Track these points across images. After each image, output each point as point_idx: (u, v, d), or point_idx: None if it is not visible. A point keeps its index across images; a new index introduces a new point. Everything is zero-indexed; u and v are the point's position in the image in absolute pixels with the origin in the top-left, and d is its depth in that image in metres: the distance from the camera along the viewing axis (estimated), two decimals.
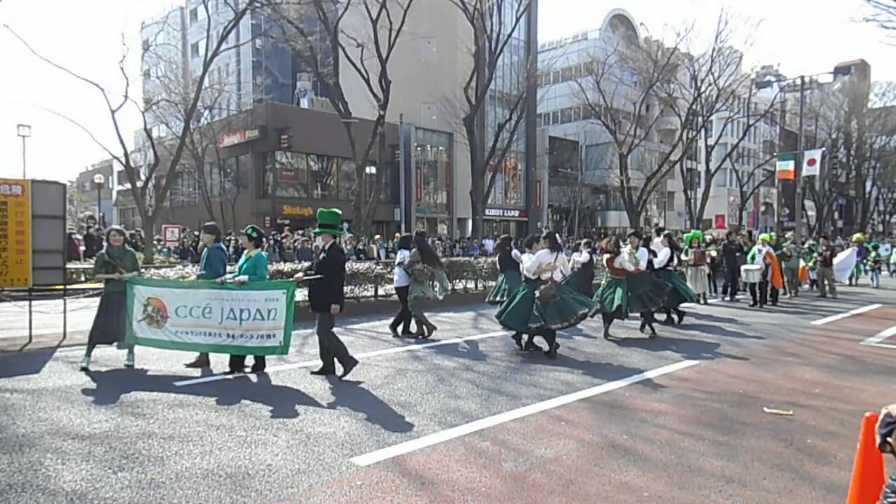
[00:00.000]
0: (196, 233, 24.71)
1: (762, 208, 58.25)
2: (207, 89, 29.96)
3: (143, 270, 12.55)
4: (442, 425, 4.91)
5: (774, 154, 45.02)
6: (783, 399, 5.78)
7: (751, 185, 50.31)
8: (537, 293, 7.64)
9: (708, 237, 19.00)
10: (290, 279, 7.12)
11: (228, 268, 7.52)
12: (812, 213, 53.00)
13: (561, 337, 8.83)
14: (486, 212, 35.37)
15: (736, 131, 48.11)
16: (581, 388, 6.12)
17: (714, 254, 15.60)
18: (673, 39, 42.41)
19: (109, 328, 6.89)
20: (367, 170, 27.34)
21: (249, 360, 6.88)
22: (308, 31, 25.86)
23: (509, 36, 30.46)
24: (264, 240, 21.82)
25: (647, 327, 9.43)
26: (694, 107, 37.50)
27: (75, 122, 49.71)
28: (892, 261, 24.73)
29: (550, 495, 3.63)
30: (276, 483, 3.77)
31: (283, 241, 24.07)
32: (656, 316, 9.88)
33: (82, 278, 14.84)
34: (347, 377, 6.50)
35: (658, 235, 11.70)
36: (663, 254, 10.37)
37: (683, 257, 13.64)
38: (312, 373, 6.69)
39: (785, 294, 15.56)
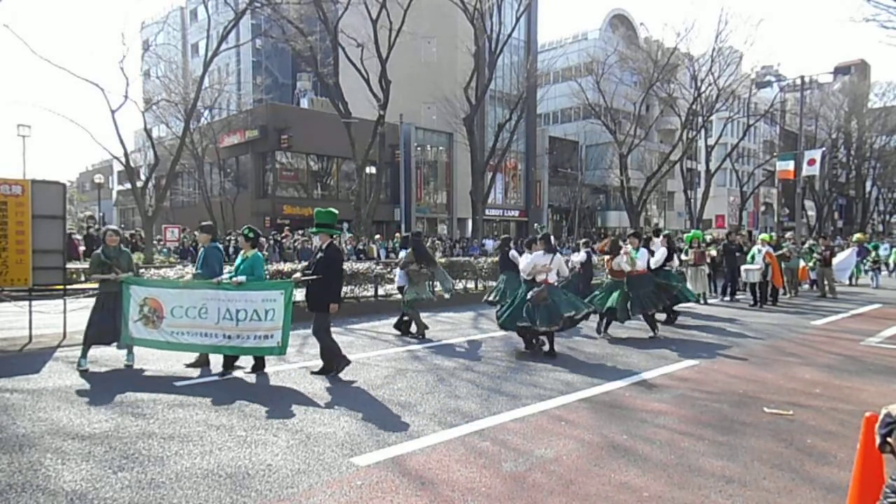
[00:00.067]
0: (196, 233, 24.69)
1: (762, 208, 58.26)
2: (207, 89, 29.96)
3: (142, 271, 12.53)
4: (442, 425, 4.91)
5: (774, 154, 45.02)
6: (783, 399, 5.78)
7: (751, 185, 50.31)
8: (529, 295, 7.68)
9: (708, 237, 19.01)
10: (288, 279, 7.11)
11: (225, 268, 7.50)
12: (812, 213, 53.02)
13: (561, 337, 8.85)
14: (486, 212, 35.37)
15: (736, 131, 48.12)
16: (581, 388, 6.12)
17: (714, 253, 15.60)
18: (673, 39, 42.49)
19: (105, 329, 6.86)
20: (367, 170, 27.33)
21: (244, 361, 6.87)
22: (308, 31, 25.86)
23: (509, 36, 30.45)
24: (262, 240, 21.97)
25: (654, 329, 9.32)
26: (694, 107, 37.50)
27: (75, 122, 49.78)
28: (891, 261, 24.72)
29: (550, 495, 3.63)
30: (276, 483, 3.77)
31: (283, 241, 24.07)
32: (657, 316, 9.86)
33: (82, 278, 14.84)
34: (341, 375, 6.54)
35: (657, 236, 11.71)
36: (660, 253, 10.36)
37: (683, 257, 13.65)
38: (312, 373, 6.69)
39: (785, 294, 15.56)
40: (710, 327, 10.48)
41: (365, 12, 24.13)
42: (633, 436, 4.70)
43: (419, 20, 28.18)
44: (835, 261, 16.85)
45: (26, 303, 8.72)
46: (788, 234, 23.89)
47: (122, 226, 43.21)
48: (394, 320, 9.69)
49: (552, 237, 8.09)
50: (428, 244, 25.45)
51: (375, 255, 22.91)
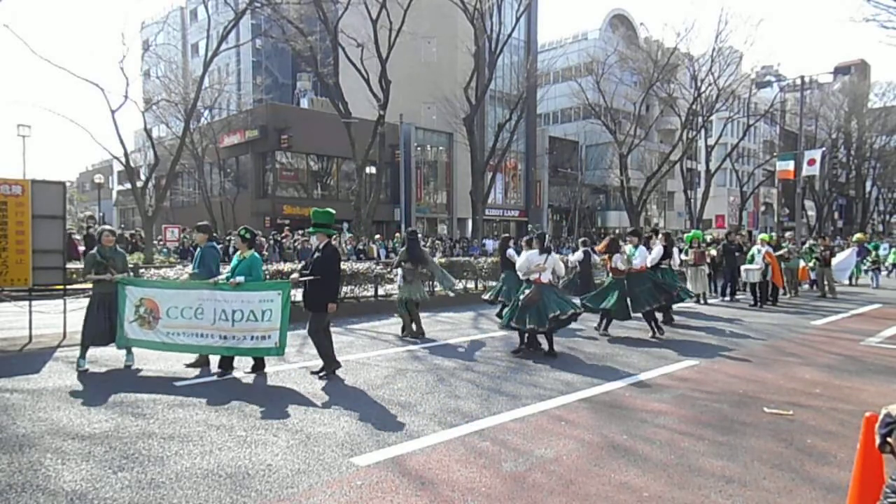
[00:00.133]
0: (192, 233, 24.70)
1: (762, 208, 58.25)
2: (207, 89, 29.97)
3: (142, 271, 12.52)
4: (442, 425, 4.91)
5: (774, 154, 45.03)
6: (783, 399, 5.78)
7: (751, 185, 50.32)
8: (521, 296, 7.71)
9: (708, 237, 19.01)
10: (286, 280, 7.09)
11: (223, 267, 7.48)
12: (812, 213, 53.03)
13: (561, 337, 8.85)
14: (486, 212, 35.37)
15: (736, 131, 48.12)
16: (581, 388, 6.12)
17: (714, 253, 15.59)
18: (673, 39, 42.48)
19: (100, 330, 6.83)
20: (367, 170, 27.34)
21: (244, 361, 6.85)
22: (308, 31, 25.86)
23: (509, 36, 30.44)
24: (262, 240, 21.97)
25: (655, 329, 9.31)
26: (694, 107, 37.50)
27: (75, 122, 49.78)
28: (889, 261, 24.71)
29: (550, 495, 3.63)
30: (276, 483, 3.77)
31: (283, 241, 24.07)
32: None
33: (82, 278, 14.84)
34: (323, 374, 6.54)
35: (656, 235, 11.72)
36: (655, 251, 10.34)
37: (683, 257, 13.65)
38: (312, 373, 6.68)
39: (785, 294, 15.56)
40: (710, 327, 10.48)
41: (365, 12, 24.12)
42: (633, 436, 4.70)
43: (419, 20, 28.18)
44: (834, 261, 16.86)
45: (26, 303, 8.72)
46: (788, 234, 23.89)
47: (122, 226, 43.28)
48: (394, 320, 9.69)
49: (546, 237, 8.08)
50: (428, 244, 25.55)
51: (375, 255, 22.90)
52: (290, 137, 33.03)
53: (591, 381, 6.45)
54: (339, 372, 6.70)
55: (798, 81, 32.15)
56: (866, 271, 20.83)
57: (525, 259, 7.88)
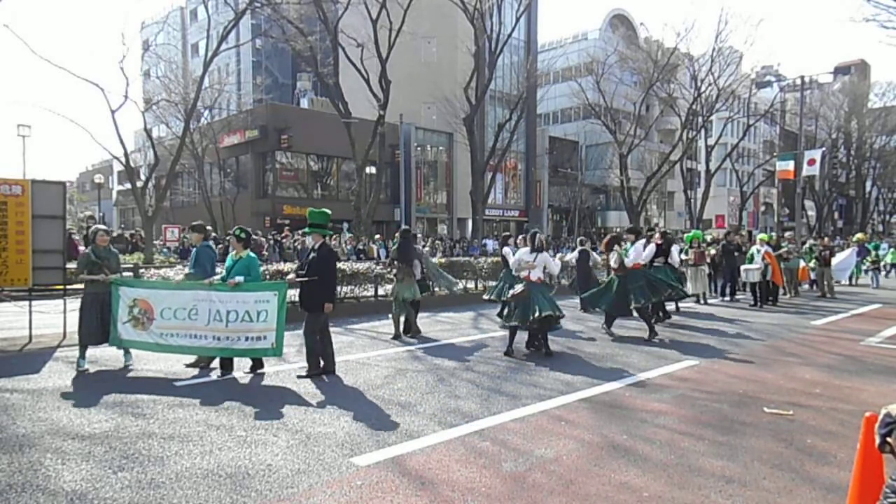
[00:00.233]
0: (188, 233, 24.69)
1: (762, 208, 58.24)
2: (207, 89, 29.96)
3: (142, 271, 12.50)
4: (442, 425, 4.91)
5: (774, 154, 45.03)
6: (783, 399, 5.78)
7: (751, 185, 50.32)
8: (510, 292, 7.81)
9: (708, 237, 19.01)
10: (282, 280, 7.08)
11: (218, 267, 7.47)
12: (812, 213, 53.03)
13: (561, 337, 8.86)
14: (486, 212, 35.36)
15: (736, 131, 48.12)
16: (581, 388, 6.12)
17: (713, 252, 15.58)
18: (673, 39, 42.49)
19: (93, 330, 6.80)
20: (367, 170, 27.34)
21: (243, 362, 6.84)
22: (308, 31, 25.86)
23: (509, 36, 30.45)
24: (262, 240, 21.97)
25: (650, 329, 9.33)
26: (694, 107, 37.50)
27: (75, 122, 49.85)
28: (888, 261, 24.69)
29: (550, 495, 3.63)
30: (276, 483, 3.77)
31: (283, 241, 24.07)
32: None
33: (75, 278, 14.82)
34: (304, 375, 6.54)
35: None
36: (648, 249, 10.31)
37: (683, 257, 13.65)
38: (299, 376, 6.66)
39: (785, 294, 15.57)
40: (710, 327, 10.48)
41: (365, 12, 24.13)
42: (633, 436, 4.70)
43: (419, 20, 28.18)
44: (834, 261, 16.87)
45: (26, 303, 8.72)
46: (788, 234, 23.88)
47: (122, 226, 43.26)
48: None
49: (538, 235, 8.12)
50: (428, 244, 25.55)
51: (375, 255, 22.90)
52: (290, 137, 33.03)
53: (591, 381, 6.45)
54: (338, 372, 6.70)
55: (798, 81, 32.14)
56: (866, 271, 20.83)
57: (517, 257, 8.07)
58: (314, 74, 28.69)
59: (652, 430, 4.84)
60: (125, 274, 8.20)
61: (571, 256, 11.92)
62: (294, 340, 7.91)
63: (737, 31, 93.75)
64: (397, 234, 9.87)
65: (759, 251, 13.69)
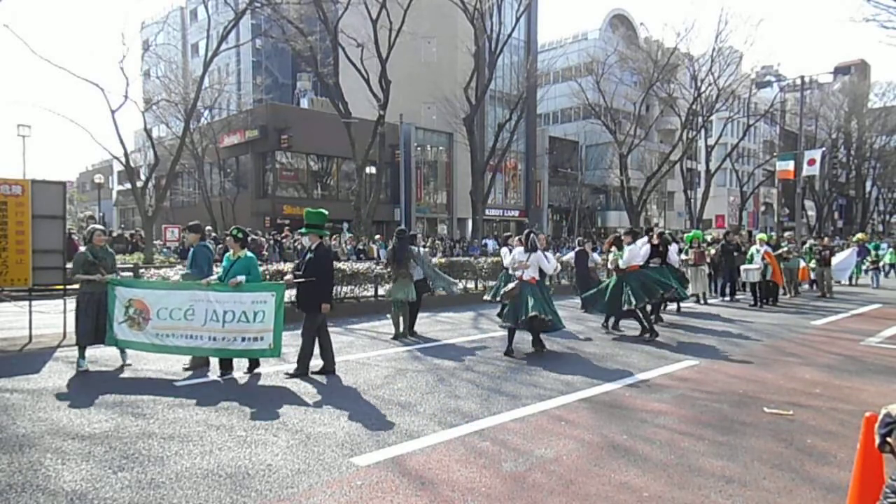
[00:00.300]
0: (184, 233, 24.64)
1: (762, 208, 58.27)
2: (207, 89, 29.96)
3: (142, 271, 12.49)
4: (442, 425, 4.91)
5: (774, 154, 45.03)
6: (783, 399, 5.78)
7: (751, 185, 50.32)
8: (503, 289, 7.92)
9: (708, 237, 19.00)
10: (280, 281, 7.07)
11: (215, 268, 7.45)
12: (812, 213, 53.03)
13: (561, 337, 8.86)
14: (486, 212, 35.36)
15: (736, 131, 48.13)
16: (581, 388, 6.12)
17: (713, 252, 15.57)
18: (673, 39, 42.52)
19: (92, 330, 6.79)
20: (367, 170, 27.34)
21: (243, 362, 6.83)
22: (308, 31, 25.86)
23: (509, 36, 30.44)
24: (262, 240, 21.95)
25: (648, 329, 9.31)
26: (694, 107, 37.50)
27: (75, 122, 49.80)
28: (887, 261, 24.68)
29: (550, 495, 3.63)
30: (276, 483, 3.77)
31: (283, 241, 24.07)
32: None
33: (70, 277, 14.80)
34: (292, 373, 6.56)
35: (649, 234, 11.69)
36: (643, 250, 10.30)
37: (683, 257, 13.64)
38: (312, 373, 6.68)
39: (785, 294, 15.57)
40: (710, 327, 10.48)
41: (365, 12, 24.12)
42: (633, 436, 4.70)
43: (419, 20, 28.18)
44: (834, 261, 16.87)
45: (26, 303, 8.72)
46: (788, 234, 23.89)
47: (122, 226, 43.27)
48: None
49: (531, 235, 8.15)
50: (428, 244, 25.54)
51: (375, 255, 22.89)
52: (290, 137, 33.03)
53: (591, 381, 6.45)
54: (338, 372, 6.71)
55: (798, 81, 32.14)
56: (866, 271, 20.82)
57: (511, 257, 8.21)
58: (314, 74, 28.69)
59: (652, 430, 4.84)
60: (124, 274, 8.20)
61: (569, 257, 11.99)
62: (294, 341, 7.89)
63: (737, 31, 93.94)
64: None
65: (758, 251, 13.69)
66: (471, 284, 14.82)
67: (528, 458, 4.21)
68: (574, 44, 53.32)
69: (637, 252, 9.49)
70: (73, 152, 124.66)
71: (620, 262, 9.36)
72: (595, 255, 12.27)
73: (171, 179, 25.18)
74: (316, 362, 6.84)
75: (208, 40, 23.69)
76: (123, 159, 21.69)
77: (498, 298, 8.65)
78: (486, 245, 30.62)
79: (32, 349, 7.96)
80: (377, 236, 27.12)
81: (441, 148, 41.19)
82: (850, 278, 19.60)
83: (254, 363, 6.81)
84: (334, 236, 24.39)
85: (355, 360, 7.50)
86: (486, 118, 39.27)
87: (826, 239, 19.69)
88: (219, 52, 22.48)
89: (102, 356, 7.33)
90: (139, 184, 23.28)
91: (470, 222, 36.37)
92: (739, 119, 46.02)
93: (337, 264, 12.01)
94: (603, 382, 6.37)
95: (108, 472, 3.91)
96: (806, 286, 17.38)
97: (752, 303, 13.65)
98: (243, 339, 6.47)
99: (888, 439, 2.22)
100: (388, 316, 9.47)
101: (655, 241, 10.70)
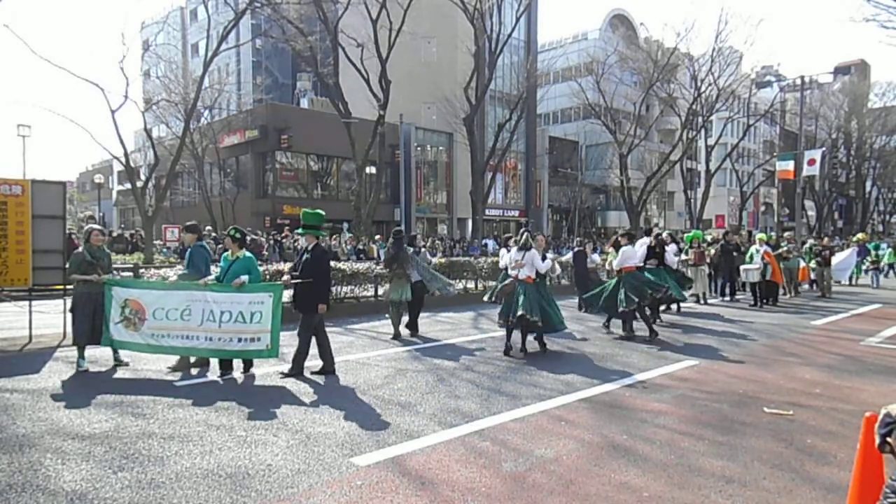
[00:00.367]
0: (182, 233, 24.63)
1: (762, 208, 58.26)
2: (207, 89, 29.95)
3: (142, 271, 12.45)
4: (442, 425, 4.91)
5: (774, 154, 45.02)
6: (783, 399, 5.78)
7: (751, 185, 50.33)
8: (498, 286, 8.07)
9: (708, 237, 19.00)
10: (277, 281, 7.06)
11: (213, 268, 7.45)
12: (812, 213, 53.04)
13: (561, 337, 8.86)
14: (486, 212, 35.37)
15: (736, 131, 48.12)
16: (581, 388, 6.12)
17: (713, 252, 15.56)
18: (673, 39, 42.52)
19: (88, 330, 6.78)
20: (367, 170, 27.33)
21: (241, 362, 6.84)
22: (308, 31, 25.86)
23: (509, 36, 30.45)
24: (262, 240, 21.95)
25: (647, 329, 9.31)
26: (694, 107, 37.50)
27: (75, 122, 49.79)
28: (887, 261, 24.67)
29: (550, 495, 3.63)
30: (276, 483, 3.77)
31: (283, 241, 24.07)
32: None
33: (67, 277, 14.78)
34: (286, 372, 6.56)
35: (648, 235, 11.67)
36: (640, 251, 10.28)
37: (684, 257, 13.64)
38: (312, 373, 6.68)
39: (785, 294, 15.57)
40: (710, 327, 10.48)
41: (365, 12, 24.13)
42: (633, 436, 4.70)
43: (419, 20, 28.18)
44: (834, 260, 16.87)
45: (26, 303, 8.72)
46: (788, 234, 23.89)
47: (123, 226, 43.27)
48: None
49: (526, 234, 8.22)
50: (428, 244, 25.54)
51: (375, 255, 22.90)
52: (290, 137, 33.03)
53: (591, 381, 6.45)
54: (338, 371, 6.71)
55: (798, 81, 32.13)
56: (866, 271, 20.82)
57: (509, 255, 8.31)
58: (314, 74, 28.69)
59: (652, 430, 4.84)
60: (124, 274, 8.20)
61: (568, 257, 12.03)
62: (292, 341, 7.89)
63: (737, 31, 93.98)
64: None
65: (758, 251, 13.69)
66: (471, 284, 14.83)
67: (528, 458, 4.21)
68: (574, 44, 53.32)
69: (633, 253, 9.49)
70: (73, 152, 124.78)
71: (614, 264, 9.45)
72: (595, 256, 12.29)
73: (170, 179, 25.17)
74: (315, 363, 6.84)
75: (208, 40, 23.68)
76: (123, 159, 21.67)
77: (493, 299, 8.69)
78: (486, 245, 30.62)
79: (32, 349, 7.97)
80: (377, 236, 27.13)
81: (441, 148, 41.19)
82: (850, 278, 19.60)
83: (248, 364, 6.80)
84: (334, 236, 24.41)
85: (355, 359, 7.50)
86: (486, 118, 39.27)
87: (826, 239, 19.71)
88: (219, 52, 22.47)
89: (102, 356, 7.33)
90: (139, 184, 23.27)
91: (470, 222, 36.37)
92: (739, 119, 46.02)
93: (337, 264, 12.03)
94: (603, 382, 6.37)
95: (108, 472, 3.91)
96: (806, 286, 17.38)
97: (752, 303, 13.65)
98: (240, 340, 6.45)
99: (888, 439, 2.22)
100: (388, 316, 9.47)
101: (652, 243, 10.68)
